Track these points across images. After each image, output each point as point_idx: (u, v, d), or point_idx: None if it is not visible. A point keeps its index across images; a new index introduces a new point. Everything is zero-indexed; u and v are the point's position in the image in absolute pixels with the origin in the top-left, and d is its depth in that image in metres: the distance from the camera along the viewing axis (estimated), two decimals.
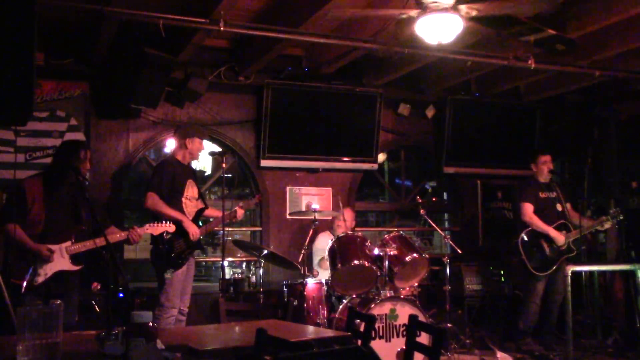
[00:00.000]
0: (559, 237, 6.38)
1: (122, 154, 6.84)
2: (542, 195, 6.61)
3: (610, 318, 7.10)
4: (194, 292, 5.77)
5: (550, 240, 6.41)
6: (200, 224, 5.76)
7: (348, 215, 6.83)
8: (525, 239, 6.46)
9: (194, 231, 5.46)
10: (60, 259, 4.55)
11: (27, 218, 4.49)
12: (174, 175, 5.54)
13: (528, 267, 6.39)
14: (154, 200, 5.37)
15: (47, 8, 4.95)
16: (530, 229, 6.48)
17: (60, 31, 6.18)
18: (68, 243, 4.58)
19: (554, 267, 6.40)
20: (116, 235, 4.79)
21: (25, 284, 4.32)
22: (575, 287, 5.99)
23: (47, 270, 4.49)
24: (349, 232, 6.43)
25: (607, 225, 6.57)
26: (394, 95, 7.90)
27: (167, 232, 5.37)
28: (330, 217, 6.86)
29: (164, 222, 5.09)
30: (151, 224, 5.03)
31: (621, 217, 6.59)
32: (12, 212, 4.46)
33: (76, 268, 4.65)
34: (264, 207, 7.46)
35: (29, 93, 2.85)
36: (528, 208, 6.51)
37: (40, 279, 4.46)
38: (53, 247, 4.53)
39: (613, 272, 7.23)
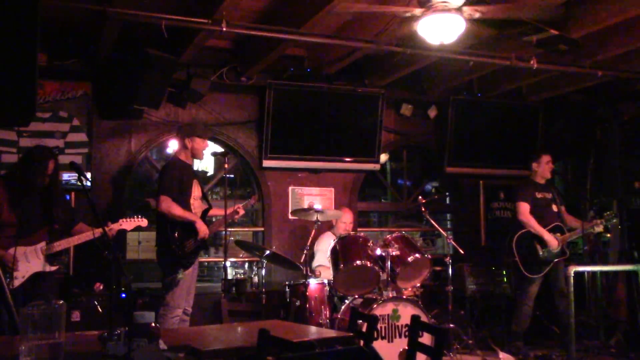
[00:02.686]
0: (552, 242, 6.36)
1: (124, 155, 6.85)
2: (538, 195, 6.62)
3: (613, 318, 7.09)
4: (196, 293, 5.78)
5: (543, 242, 6.41)
6: None
7: (347, 216, 6.82)
8: (519, 239, 6.47)
9: (204, 231, 5.47)
10: (36, 260, 4.51)
11: None
12: (181, 176, 5.54)
13: (521, 269, 6.40)
14: (168, 203, 5.35)
15: (49, 9, 4.96)
16: (525, 229, 6.48)
17: (63, 32, 6.19)
18: (42, 244, 4.54)
19: (547, 269, 6.41)
20: (89, 233, 4.68)
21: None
22: (577, 287, 5.99)
23: (24, 273, 4.44)
24: (351, 232, 6.44)
25: (599, 229, 6.55)
26: (396, 96, 7.90)
27: (174, 231, 5.38)
28: (332, 219, 6.86)
29: (135, 217, 5.09)
30: (124, 220, 5.01)
31: (614, 221, 6.60)
32: None
33: (52, 269, 4.62)
34: (266, 207, 7.46)
35: (31, 94, 2.85)
36: (524, 207, 6.51)
37: (17, 282, 4.40)
38: (28, 248, 4.48)
39: (616, 273, 7.23)
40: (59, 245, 4.61)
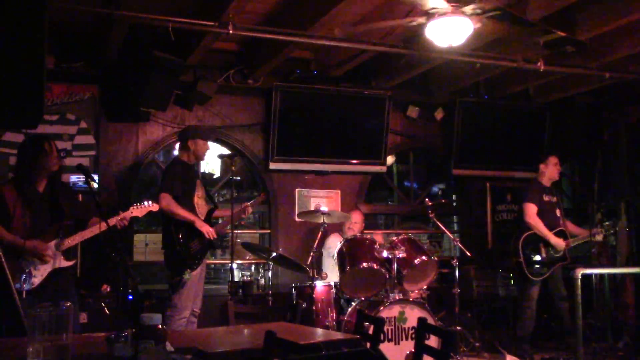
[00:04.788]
0: (559, 243, 6.35)
1: (131, 157, 6.87)
2: (545, 198, 6.59)
3: (621, 321, 7.06)
4: (203, 294, 5.79)
5: (548, 245, 6.40)
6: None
7: (357, 217, 6.82)
8: (526, 241, 6.46)
9: (207, 230, 5.47)
10: (53, 257, 4.51)
11: (12, 224, 4.38)
12: (184, 176, 5.56)
13: (524, 270, 6.39)
14: (168, 201, 5.37)
15: (57, 12, 4.98)
16: (531, 231, 6.46)
17: (71, 35, 6.22)
18: (56, 240, 4.51)
19: (548, 273, 6.40)
20: (101, 225, 4.58)
21: (25, 287, 4.28)
22: (585, 290, 5.96)
23: (43, 271, 4.43)
24: (358, 234, 6.43)
25: (600, 237, 6.53)
26: (402, 98, 7.90)
27: (179, 232, 5.38)
28: (339, 221, 6.86)
29: (146, 202, 4.98)
30: (135, 206, 4.91)
31: (612, 231, 6.61)
32: None
33: (70, 264, 4.60)
34: (273, 209, 7.46)
35: (39, 96, 2.87)
36: (532, 209, 6.47)
37: (37, 280, 4.39)
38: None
39: (623, 275, 7.19)
40: (73, 240, 4.60)
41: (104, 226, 4.54)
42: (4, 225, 4.37)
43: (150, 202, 5.00)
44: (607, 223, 6.57)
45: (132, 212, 4.88)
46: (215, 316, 6.59)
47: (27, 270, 4.37)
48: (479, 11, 4.66)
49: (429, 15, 4.69)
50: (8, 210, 4.39)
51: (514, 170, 8.36)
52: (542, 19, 5.26)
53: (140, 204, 4.95)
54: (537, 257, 6.40)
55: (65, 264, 4.57)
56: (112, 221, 4.63)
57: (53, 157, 4.55)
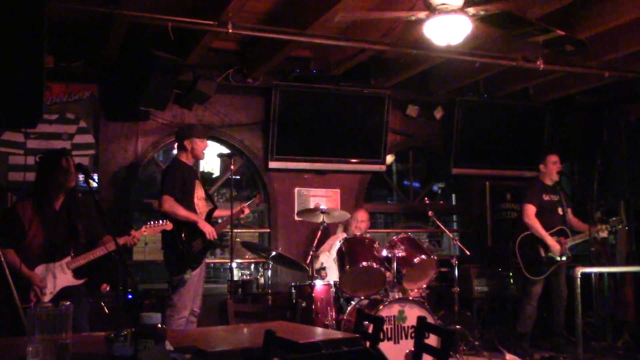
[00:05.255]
0: (555, 246, 6.38)
1: (130, 156, 6.86)
2: (545, 197, 6.61)
3: (620, 320, 7.06)
4: (202, 294, 5.79)
5: (546, 245, 6.41)
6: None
7: (364, 216, 6.79)
8: (523, 241, 6.49)
9: (209, 231, 5.47)
10: (63, 276, 4.47)
11: (25, 241, 4.38)
12: (183, 177, 5.56)
13: (522, 270, 6.41)
14: (170, 203, 5.37)
15: (56, 11, 4.98)
16: (529, 232, 6.50)
17: (70, 34, 6.21)
18: (68, 259, 4.49)
19: (549, 272, 6.43)
20: (109, 245, 4.57)
21: (33, 306, 4.24)
22: (585, 288, 5.97)
23: (52, 289, 4.41)
24: (357, 234, 6.44)
25: (604, 234, 6.55)
26: (402, 97, 7.89)
27: (181, 232, 5.38)
28: (339, 220, 6.85)
29: (160, 221, 5.00)
30: (147, 225, 4.92)
31: (620, 227, 6.62)
32: (3, 237, 4.34)
33: (79, 282, 4.56)
34: (272, 208, 7.46)
35: (38, 96, 2.87)
36: (530, 210, 6.51)
37: (46, 299, 4.38)
38: (53, 265, 4.43)
39: (623, 274, 7.20)
40: (84, 259, 4.57)
41: (112, 246, 4.51)
42: (17, 243, 4.37)
43: (164, 221, 5.01)
44: (613, 219, 6.58)
45: (144, 232, 4.87)
46: (214, 315, 6.59)
47: (36, 290, 4.36)
48: (481, 12, 4.66)
49: (430, 10, 4.67)
50: (22, 227, 4.38)
51: (514, 169, 8.36)
52: (541, 17, 5.26)
53: (153, 223, 4.95)
54: (536, 257, 6.42)
55: (75, 282, 4.53)
56: (122, 240, 4.62)
57: (70, 173, 4.54)
